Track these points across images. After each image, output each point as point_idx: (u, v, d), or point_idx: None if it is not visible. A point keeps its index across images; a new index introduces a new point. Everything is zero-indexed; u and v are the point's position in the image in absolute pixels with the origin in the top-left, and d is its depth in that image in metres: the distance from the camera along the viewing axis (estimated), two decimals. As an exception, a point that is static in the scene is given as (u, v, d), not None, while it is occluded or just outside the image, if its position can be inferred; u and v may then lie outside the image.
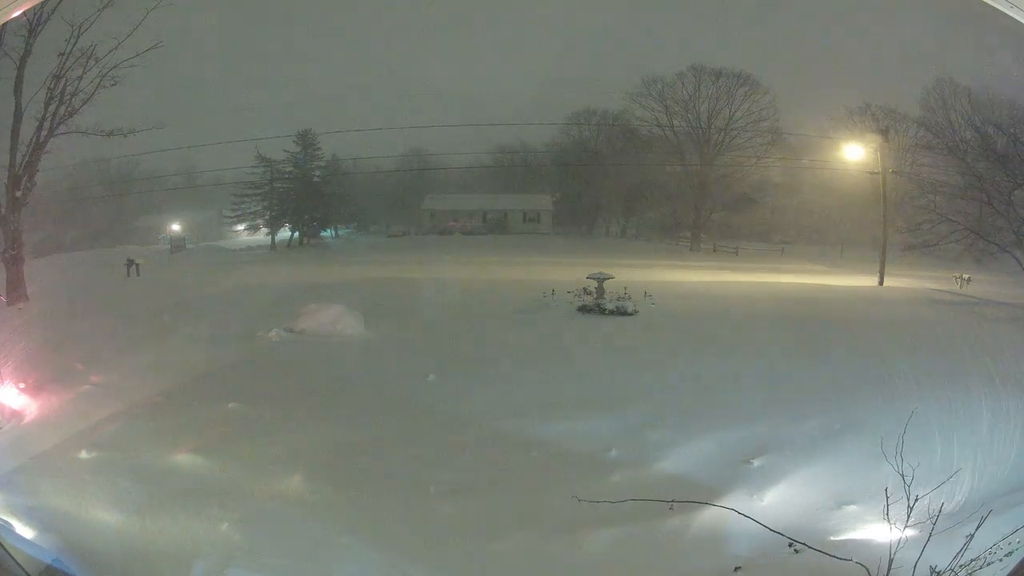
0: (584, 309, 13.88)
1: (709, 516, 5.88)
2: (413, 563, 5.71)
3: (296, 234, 19.22)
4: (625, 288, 14.19)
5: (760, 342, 11.71)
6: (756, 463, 7.14)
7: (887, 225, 16.08)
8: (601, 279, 14.23)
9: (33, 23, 12.65)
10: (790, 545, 5.45)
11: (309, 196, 18.64)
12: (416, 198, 19.75)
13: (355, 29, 16.38)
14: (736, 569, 5.42)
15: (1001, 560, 4.70)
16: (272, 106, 16.64)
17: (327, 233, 19.74)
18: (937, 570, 4.82)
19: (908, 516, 5.02)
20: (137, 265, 16.69)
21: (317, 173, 18.55)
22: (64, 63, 13.31)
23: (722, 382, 9.72)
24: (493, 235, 19.42)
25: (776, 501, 6.27)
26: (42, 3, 11.62)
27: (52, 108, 13.39)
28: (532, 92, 16.58)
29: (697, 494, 6.20)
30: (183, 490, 6.63)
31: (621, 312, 13.56)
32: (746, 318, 13.40)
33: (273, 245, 18.92)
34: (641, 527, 5.96)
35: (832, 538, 5.59)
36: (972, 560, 4.81)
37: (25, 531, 5.60)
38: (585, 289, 14.31)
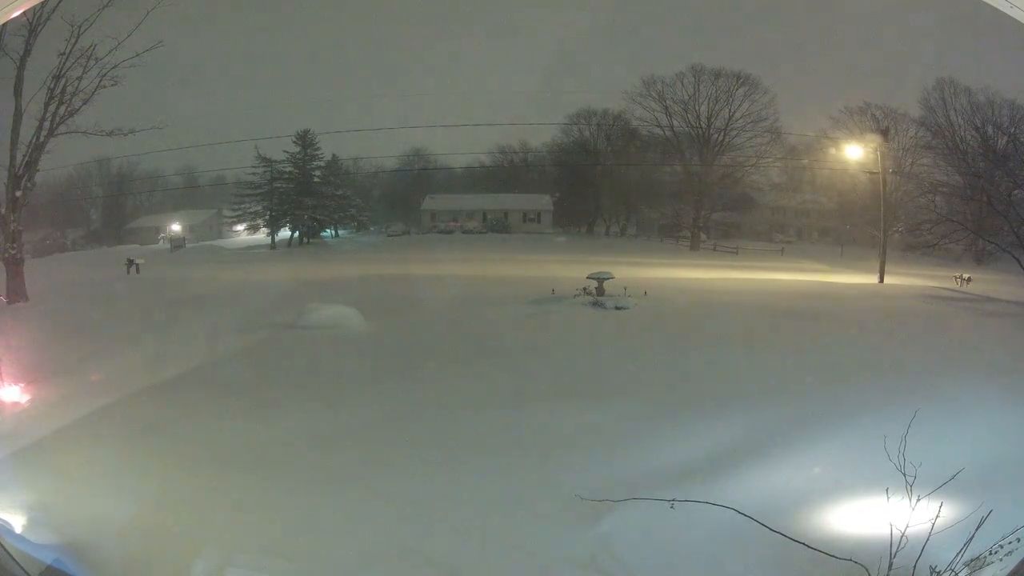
0: (584, 305, 13.98)
1: (709, 515, 5.88)
2: (411, 560, 5.71)
3: (296, 234, 19.25)
4: (625, 288, 14.22)
5: (761, 339, 11.71)
6: (756, 462, 7.13)
7: (887, 225, 16.10)
8: (601, 279, 14.29)
9: (33, 23, 12.68)
10: (790, 544, 5.45)
11: (309, 196, 18.65)
12: (416, 198, 19.77)
13: (355, 29, 16.40)
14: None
15: (1001, 560, 4.70)
16: (272, 106, 16.67)
17: (327, 233, 19.77)
18: (937, 570, 4.82)
19: (909, 516, 5.02)
20: (137, 264, 16.71)
21: (317, 173, 18.56)
22: (64, 63, 13.34)
23: (721, 379, 9.70)
24: (493, 235, 19.45)
25: (776, 500, 6.26)
26: (42, 3, 11.63)
27: (52, 108, 13.41)
28: (532, 92, 16.61)
29: (697, 493, 6.20)
30: (184, 490, 6.63)
31: (619, 308, 13.68)
32: (746, 315, 13.40)
33: (273, 245, 18.94)
34: (641, 526, 5.97)
35: (832, 537, 5.59)
36: (972, 560, 4.82)
37: (25, 531, 5.60)
38: (585, 289, 14.33)
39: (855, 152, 16.47)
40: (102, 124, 13.89)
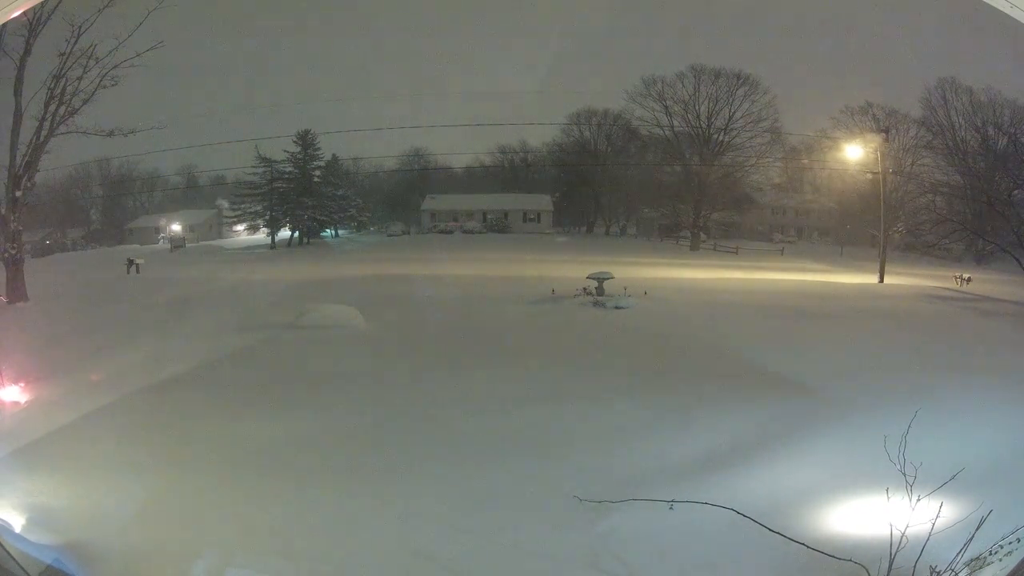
0: (584, 305, 13.99)
1: (709, 516, 5.88)
2: (411, 561, 5.71)
3: (296, 234, 19.25)
4: (625, 288, 14.23)
5: (761, 339, 11.70)
6: (756, 462, 7.13)
7: (887, 225, 16.10)
8: (601, 279, 14.32)
9: (33, 23, 12.67)
10: (790, 545, 5.45)
11: (309, 196, 18.65)
12: (416, 198, 19.77)
13: (355, 29, 16.39)
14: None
15: (1001, 560, 4.71)
16: (272, 106, 16.67)
17: (327, 233, 19.77)
18: (937, 570, 4.82)
19: (909, 516, 5.02)
20: (137, 264, 16.72)
21: (317, 173, 18.56)
22: (64, 63, 13.33)
23: (721, 378, 9.69)
24: (493, 235, 19.44)
25: (776, 500, 6.26)
26: (42, 3, 11.62)
27: (52, 108, 13.40)
28: (532, 92, 16.60)
29: (697, 493, 6.20)
30: (184, 490, 6.63)
31: (619, 308, 13.70)
32: (746, 315, 13.39)
33: (273, 244, 18.94)
34: (641, 526, 5.97)
35: (832, 538, 5.59)
36: (972, 560, 4.82)
37: (25, 531, 5.60)
38: (585, 289, 14.35)
39: (855, 152, 16.47)
40: (102, 124, 13.91)
